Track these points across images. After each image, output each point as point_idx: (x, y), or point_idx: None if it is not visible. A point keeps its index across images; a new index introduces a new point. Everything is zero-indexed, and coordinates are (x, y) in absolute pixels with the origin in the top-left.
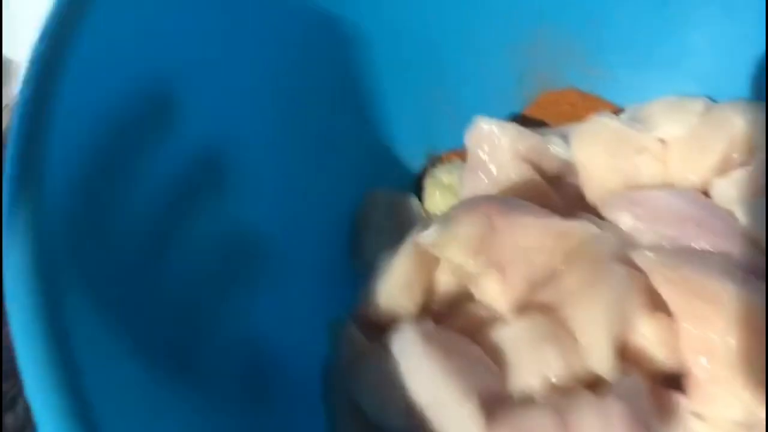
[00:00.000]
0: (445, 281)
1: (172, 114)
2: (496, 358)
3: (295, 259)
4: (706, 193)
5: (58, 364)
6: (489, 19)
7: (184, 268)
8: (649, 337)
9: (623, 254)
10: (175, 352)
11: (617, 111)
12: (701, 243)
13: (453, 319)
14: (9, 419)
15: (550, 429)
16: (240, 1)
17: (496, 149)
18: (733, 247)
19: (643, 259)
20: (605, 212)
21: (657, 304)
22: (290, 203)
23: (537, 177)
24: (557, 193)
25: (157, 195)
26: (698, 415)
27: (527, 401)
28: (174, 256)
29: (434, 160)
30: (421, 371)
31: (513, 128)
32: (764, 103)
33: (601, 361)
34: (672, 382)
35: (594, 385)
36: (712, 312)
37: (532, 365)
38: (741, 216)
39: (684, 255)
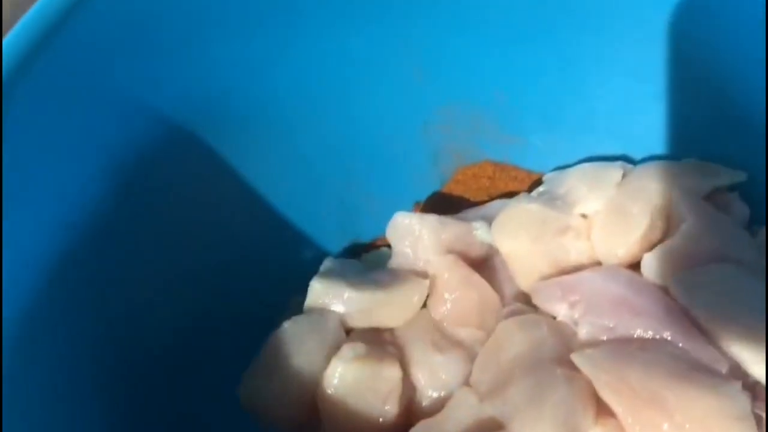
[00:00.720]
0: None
1: None
2: None
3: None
4: (637, 266)
5: None
6: (398, 102)
7: None
8: None
9: (564, 355)
10: None
11: (534, 179)
12: (640, 330)
13: None
14: None
15: None
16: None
17: (418, 243)
18: (672, 332)
19: (584, 362)
20: (539, 303)
21: (603, 407)
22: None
23: (465, 267)
24: (489, 281)
25: None
26: None
27: None
28: None
29: (359, 250)
30: None
31: (433, 219)
32: (682, 163)
33: None
34: None
35: None
36: (658, 416)
37: None
38: (675, 292)
39: (623, 352)
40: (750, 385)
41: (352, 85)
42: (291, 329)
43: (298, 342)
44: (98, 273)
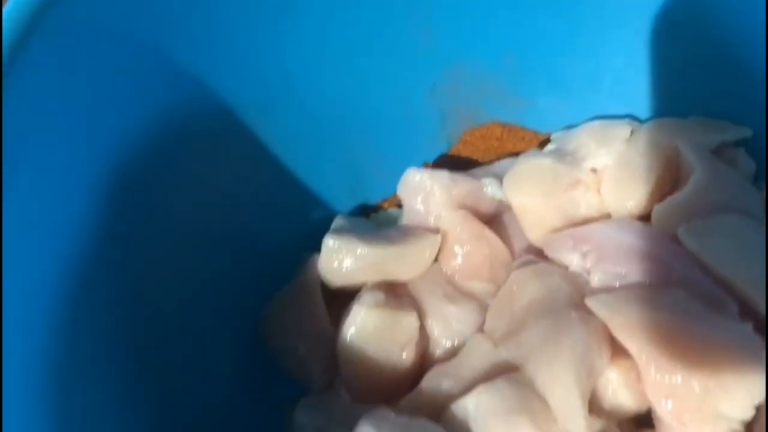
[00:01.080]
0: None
1: None
2: None
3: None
4: (646, 218)
5: None
6: (406, 64)
7: None
8: (614, 383)
9: (578, 300)
10: None
11: (542, 139)
12: (652, 277)
13: (415, 396)
14: None
15: None
16: None
17: (430, 199)
18: (684, 276)
19: (599, 306)
20: (551, 254)
21: (618, 349)
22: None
23: (475, 222)
24: (499, 236)
25: None
26: None
27: None
28: None
29: (368, 211)
30: None
31: (444, 175)
32: (689, 119)
33: (575, 422)
34: (647, 421)
35: None
36: (671, 354)
37: None
38: (685, 241)
39: (636, 296)
40: (759, 327)
41: (360, 48)
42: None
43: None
44: (126, 233)
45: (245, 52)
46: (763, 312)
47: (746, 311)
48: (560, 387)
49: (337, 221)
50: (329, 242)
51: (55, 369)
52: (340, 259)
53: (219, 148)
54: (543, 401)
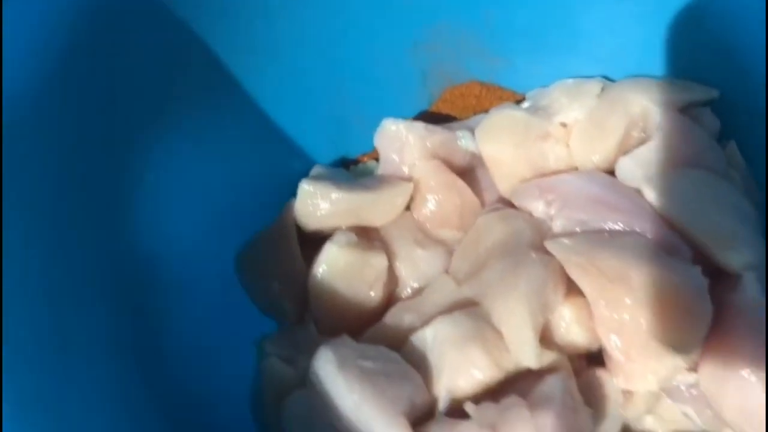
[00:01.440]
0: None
1: None
2: (420, 363)
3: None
4: (611, 173)
5: None
6: (388, 20)
7: None
8: (567, 319)
9: (539, 243)
10: None
11: (520, 99)
12: (611, 224)
13: (378, 329)
14: None
15: None
16: None
17: (405, 149)
18: (643, 224)
19: (556, 247)
20: (517, 201)
21: (573, 288)
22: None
23: (448, 172)
24: (471, 188)
25: None
26: (624, 391)
27: (456, 410)
28: None
29: (348, 163)
30: (344, 401)
31: (420, 126)
32: (658, 79)
33: (526, 352)
34: (599, 359)
35: (522, 377)
36: (622, 292)
37: (458, 367)
38: (647, 193)
39: (594, 239)
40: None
41: (343, 2)
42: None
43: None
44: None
45: (230, 2)
46: (717, 261)
47: (700, 260)
48: (514, 318)
49: (316, 169)
50: (305, 187)
51: None
52: (315, 203)
53: (202, 96)
54: (497, 333)
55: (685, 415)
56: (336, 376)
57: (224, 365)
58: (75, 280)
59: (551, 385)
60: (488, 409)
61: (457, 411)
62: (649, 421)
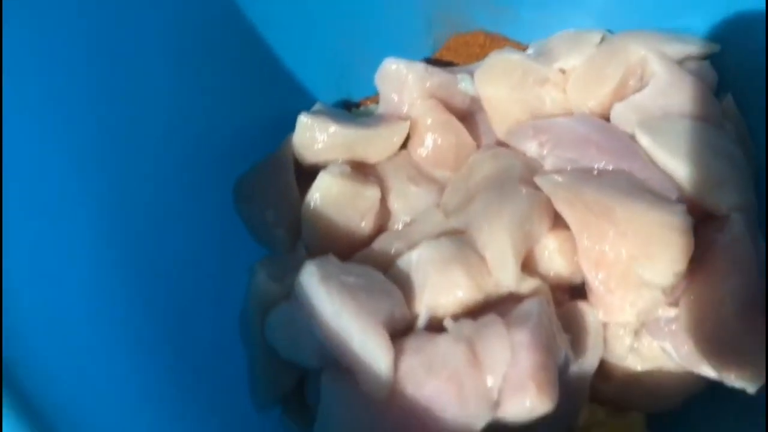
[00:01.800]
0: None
1: None
2: (404, 283)
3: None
4: (606, 119)
5: None
6: None
7: None
8: (551, 249)
9: (528, 178)
10: None
11: (523, 49)
12: (601, 163)
13: (365, 253)
14: None
15: (459, 358)
16: None
17: (404, 88)
18: (632, 164)
19: (545, 182)
20: (511, 141)
21: (559, 223)
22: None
23: (445, 113)
24: (469, 131)
25: None
26: (603, 323)
27: (436, 328)
28: None
29: (350, 107)
30: (324, 311)
31: (420, 66)
32: (658, 31)
33: (506, 275)
34: (580, 291)
35: (502, 301)
36: (605, 225)
37: (439, 286)
38: (640, 137)
39: (582, 176)
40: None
41: None
42: (285, 149)
43: (288, 161)
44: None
45: None
46: (706, 203)
47: (688, 204)
48: (496, 242)
49: (317, 106)
50: (303, 119)
51: None
52: (313, 135)
53: (209, 33)
54: (480, 257)
55: (664, 350)
56: (318, 288)
57: (217, 289)
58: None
59: (529, 306)
60: (466, 324)
61: (435, 329)
62: (629, 358)
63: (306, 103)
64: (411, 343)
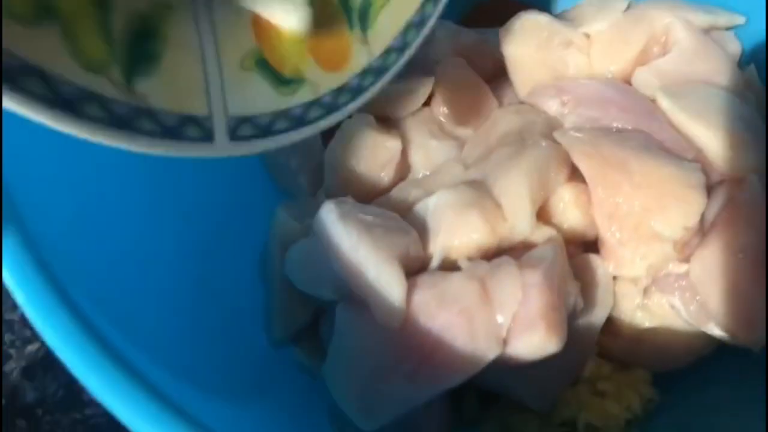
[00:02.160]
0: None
1: None
2: (421, 226)
3: None
4: (628, 84)
5: None
6: None
7: None
8: (566, 200)
9: (548, 133)
10: None
11: None
12: (621, 123)
13: (384, 199)
14: None
15: (471, 294)
16: None
17: (432, 44)
18: (650, 125)
19: (564, 137)
20: (533, 100)
21: (576, 176)
22: None
23: (471, 71)
24: (493, 91)
25: None
26: (614, 276)
27: (449, 269)
28: None
29: None
30: (342, 245)
31: (451, 24)
32: (684, 2)
33: (521, 220)
34: (593, 247)
35: (515, 247)
36: (620, 178)
37: (455, 228)
38: (660, 101)
39: (602, 132)
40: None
41: None
42: None
43: None
44: None
45: None
46: (724, 164)
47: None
48: (513, 189)
49: None
50: None
51: None
52: None
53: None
54: (496, 203)
55: (673, 307)
56: (336, 224)
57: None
58: None
59: (543, 250)
60: (479, 264)
61: (449, 270)
62: (638, 316)
63: None
64: (425, 279)
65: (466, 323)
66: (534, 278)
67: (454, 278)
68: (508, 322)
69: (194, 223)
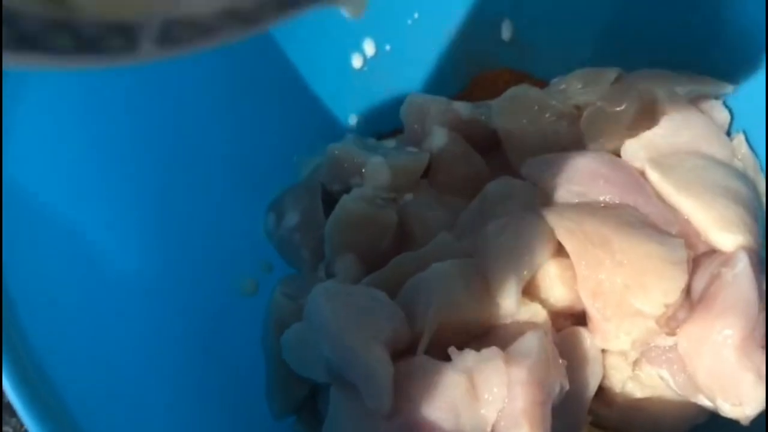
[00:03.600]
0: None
1: None
2: (412, 303)
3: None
4: (617, 155)
5: None
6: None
7: None
8: (551, 276)
9: (537, 207)
10: None
11: (544, 85)
12: (608, 197)
13: (378, 274)
14: None
15: (458, 388)
16: None
17: (426, 119)
18: (636, 198)
19: (549, 212)
20: (524, 173)
21: (562, 252)
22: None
23: (465, 144)
24: (487, 162)
25: None
26: (603, 350)
27: (437, 350)
28: None
29: (378, 138)
30: (330, 329)
31: (443, 100)
32: (672, 71)
33: (507, 300)
34: (582, 319)
35: (503, 324)
36: (602, 255)
37: (445, 306)
38: (649, 173)
39: (587, 209)
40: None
41: None
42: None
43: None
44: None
45: None
46: (712, 240)
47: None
48: (500, 268)
49: (347, 137)
50: (333, 150)
51: None
52: (341, 165)
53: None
54: (484, 280)
55: (661, 378)
56: (324, 308)
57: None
58: None
59: (529, 341)
60: (467, 355)
61: (437, 348)
62: (629, 386)
63: (336, 134)
64: (416, 367)
65: (453, 418)
66: (520, 375)
67: (443, 371)
68: (493, 418)
69: (204, 303)
